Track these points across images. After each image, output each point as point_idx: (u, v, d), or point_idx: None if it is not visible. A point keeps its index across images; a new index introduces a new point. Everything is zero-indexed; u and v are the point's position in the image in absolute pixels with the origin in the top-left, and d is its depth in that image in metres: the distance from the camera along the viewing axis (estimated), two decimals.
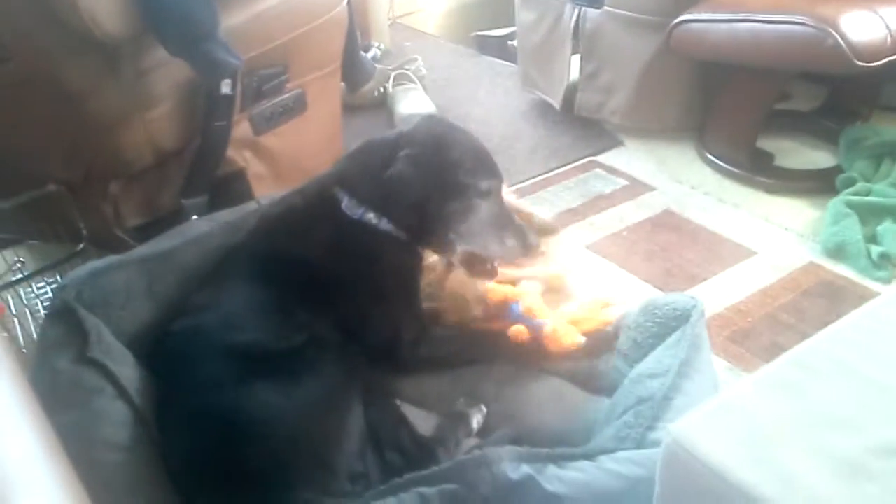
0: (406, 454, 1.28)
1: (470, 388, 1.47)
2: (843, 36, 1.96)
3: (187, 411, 1.18)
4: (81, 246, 1.80)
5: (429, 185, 1.41)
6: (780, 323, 1.80)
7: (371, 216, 1.45)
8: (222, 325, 1.29)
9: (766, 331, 1.78)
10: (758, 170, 2.38)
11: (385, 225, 1.45)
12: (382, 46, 3.50)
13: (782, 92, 2.56)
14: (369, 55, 3.22)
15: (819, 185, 2.29)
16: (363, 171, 1.48)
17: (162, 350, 1.31)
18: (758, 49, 2.19)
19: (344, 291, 1.41)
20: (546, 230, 2.02)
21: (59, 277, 1.79)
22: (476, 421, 1.40)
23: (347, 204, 1.45)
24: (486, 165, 1.48)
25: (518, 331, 1.52)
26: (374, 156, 1.48)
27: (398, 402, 1.43)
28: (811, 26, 2.01)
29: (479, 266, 1.52)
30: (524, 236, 1.48)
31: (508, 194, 1.75)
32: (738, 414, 0.84)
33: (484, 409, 1.43)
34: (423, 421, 1.40)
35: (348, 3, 2.30)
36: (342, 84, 2.57)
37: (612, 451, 1.13)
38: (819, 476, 0.75)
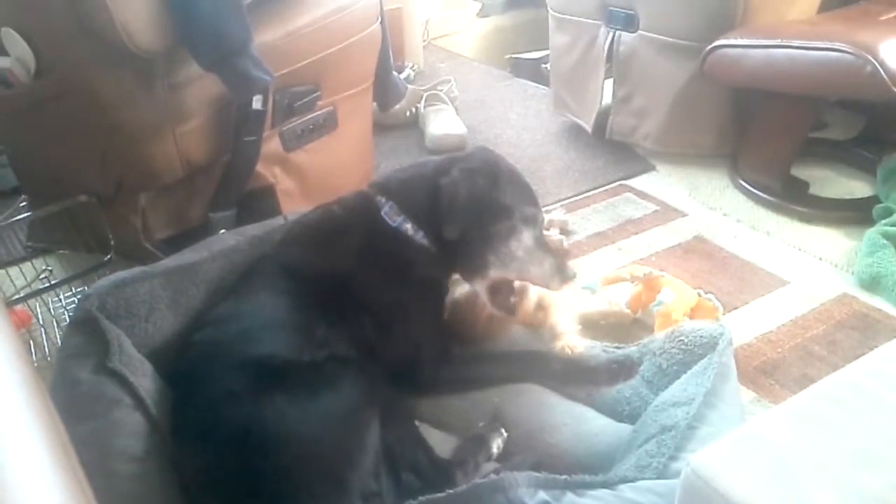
0: (422, 475, 1.26)
1: (491, 411, 1.45)
2: (881, 63, 1.93)
3: (202, 423, 1.18)
4: (109, 256, 1.82)
5: (478, 200, 1.44)
6: (812, 355, 1.75)
7: (408, 227, 1.46)
8: (242, 337, 1.28)
9: (797, 362, 1.74)
10: (792, 198, 2.34)
11: (421, 238, 1.47)
12: (416, 67, 3.52)
13: (818, 120, 2.52)
14: (403, 76, 3.23)
15: (855, 215, 2.25)
16: (410, 182, 1.52)
17: (180, 361, 1.31)
18: (794, 76, 2.16)
19: (367, 305, 1.41)
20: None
21: (86, 287, 1.81)
22: (496, 445, 1.38)
23: (388, 211, 1.47)
24: (530, 195, 1.52)
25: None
26: (423, 170, 1.53)
27: (417, 422, 1.42)
28: (850, 53, 1.98)
29: (502, 298, 1.51)
30: (563, 266, 1.49)
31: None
32: (762, 446, 0.81)
33: (504, 433, 1.41)
34: (442, 443, 1.38)
35: (382, 22, 2.32)
36: (374, 103, 2.58)
37: (633, 480, 1.10)
38: None
